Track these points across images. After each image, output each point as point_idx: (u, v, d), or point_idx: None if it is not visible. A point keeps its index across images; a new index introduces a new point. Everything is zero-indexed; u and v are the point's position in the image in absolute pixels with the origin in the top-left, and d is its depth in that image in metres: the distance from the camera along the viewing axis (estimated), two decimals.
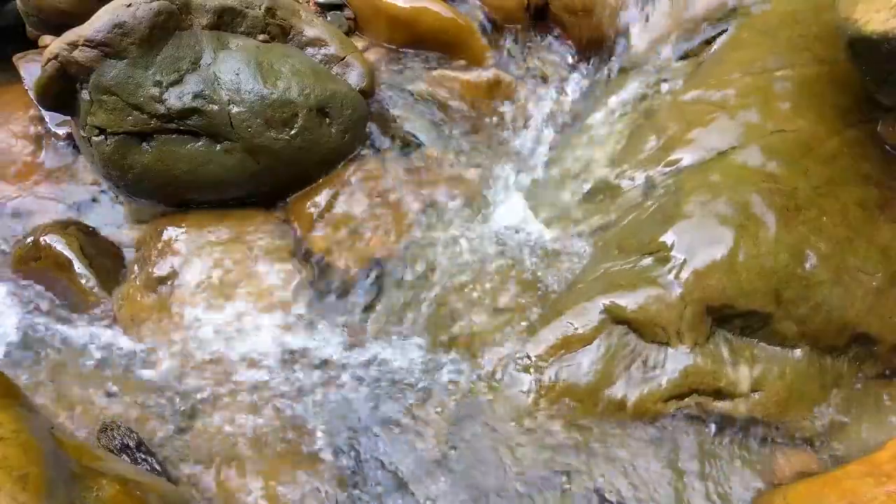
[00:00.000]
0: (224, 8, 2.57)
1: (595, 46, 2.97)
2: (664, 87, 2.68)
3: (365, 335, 2.30)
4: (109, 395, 2.15)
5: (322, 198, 2.57)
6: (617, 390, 2.03)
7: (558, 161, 2.73)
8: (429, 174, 2.69)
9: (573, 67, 3.04)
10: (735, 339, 2.10)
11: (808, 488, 1.84)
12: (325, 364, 2.21)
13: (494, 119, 2.92)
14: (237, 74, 2.46)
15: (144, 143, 2.46)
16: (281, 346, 2.26)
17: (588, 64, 3.01)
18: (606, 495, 1.89)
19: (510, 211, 2.58)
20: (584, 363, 2.06)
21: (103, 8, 2.41)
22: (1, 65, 3.04)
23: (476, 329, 2.21)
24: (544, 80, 3.03)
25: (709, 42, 2.71)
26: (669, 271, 2.11)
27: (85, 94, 2.43)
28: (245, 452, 2.01)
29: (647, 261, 2.16)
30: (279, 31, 2.68)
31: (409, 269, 2.45)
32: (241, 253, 2.45)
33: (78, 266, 2.39)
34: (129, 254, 2.55)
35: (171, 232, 2.49)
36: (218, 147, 2.47)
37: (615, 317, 2.09)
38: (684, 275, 2.09)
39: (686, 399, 2.03)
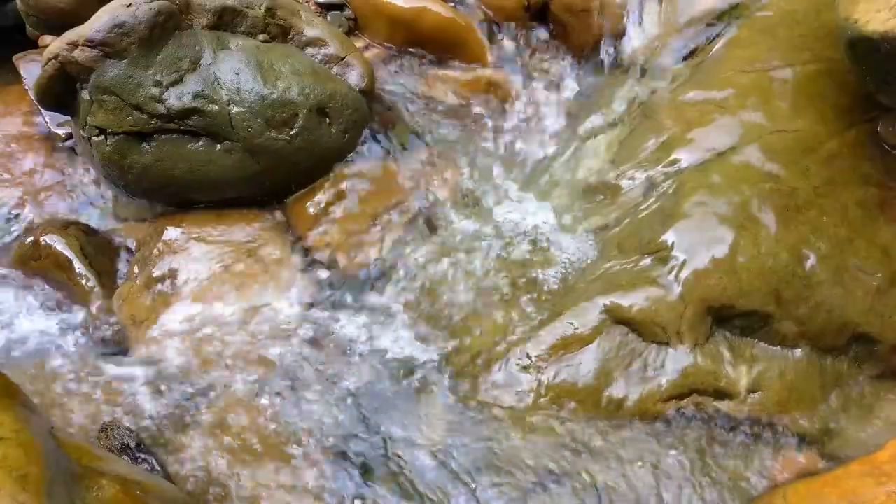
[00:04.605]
0: (224, 8, 2.57)
1: (595, 46, 2.97)
2: (664, 86, 2.68)
3: (365, 333, 2.30)
4: (109, 394, 2.15)
5: (322, 197, 2.57)
6: (617, 390, 2.03)
7: (558, 161, 2.73)
8: (428, 173, 2.69)
9: (573, 67, 3.04)
10: (735, 339, 2.10)
11: (808, 488, 1.84)
12: (325, 364, 2.21)
13: (494, 119, 2.92)
14: (237, 74, 2.46)
15: (144, 143, 2.46)
16: (281, 344, 2.26)
17: (587, 64, 3.01)
18: (606, 495, 1.89)
19: (509, 210, 2.58)
20: (584, 363, 2.06)
21: (103, 8, 2.41)
22: (1, 65, 3.04)
23: (475, 328, 2.21)
24: (544, 79, 3.03)
25: (709, 42, 2.71)
26: (669, 271, 2.11)
27: (85, 94, 2.43)
28: (246, 452, 2.01)
29: (647, 261, 2.17)
30: (279, 31, 2.68)
31: (408, 267, 2.45)
32: (241, 252, 2.45)
33: (78, 266, 2.40)
34: (129, 254, 2.55)
35: (171, 232, 2.49)
36: (218, 147, 2.47)
37: (615, 317, 2.09)
38: (684, 275, 2.09)
39: (686, 399, 2.03)
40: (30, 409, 1.47)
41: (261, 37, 2.64)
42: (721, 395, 2.03)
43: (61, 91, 2.46)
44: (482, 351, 2.16)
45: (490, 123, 2.91)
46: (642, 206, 2.34)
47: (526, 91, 2.99)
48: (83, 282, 2.39)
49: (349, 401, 2.12)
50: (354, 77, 2.72)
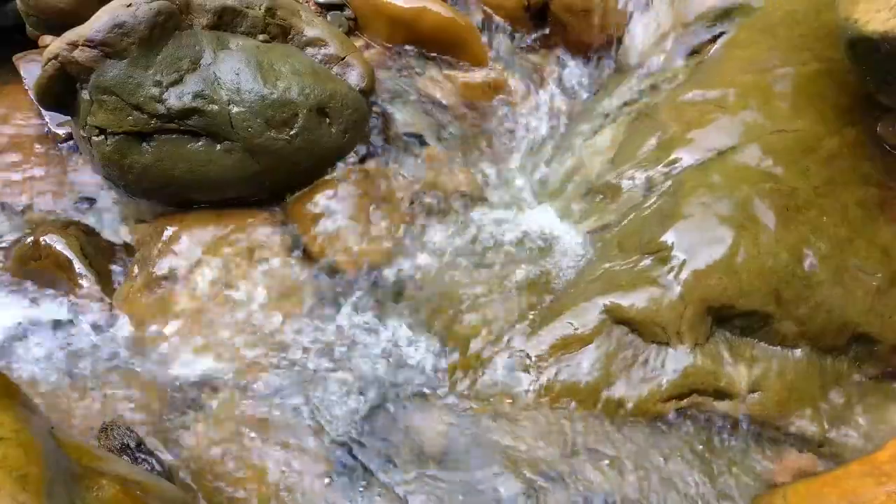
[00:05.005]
0: (224, 8, 2.57)
1: (595, 46, 2.97)
2: (664, 86, 2.68)
3: (364, 333, 2.30)
4: (109, 394, 2.15)
5: (322, 197, 2.57)
6: (617, 390, 2.03)
7: (558, 161, 2.73)
8: (428, 173, 2.69)
9: (572, 67, 3.04)
10: (735, 339, 2.10)
11: (808, 488, 1.84)
12: (325, 364, 2.21)
13: (494, 119, 2.92)
14: (237, 74, 2.46)
15: (144, 143, 2.46)
16: (281, 345, 2.26)
17: (588, 64, 3.01)
18: (606, 495, 1.89)
19: (509, 211, 2.58)
20: (584, 363, 2.06)
21: (103, 8, 2.41)
22: (1, 65, 3.04)
23: (476, 328, 2.21)
24: (544, 79, 3.04)
25: (709, 42, 2.71)
26: (669, 271, 2.11)
27: (85, 94, 2.43)
28: (245, 453, 2.01)
29: (647, 261, 2.17)
30: (279, 31, 2.68)
31: (408, 267, 2.45)
32: (242, 253, 2.45)
33: (78, 266, 2.39)
34: (129, 254, 2.55)
35: (171, 232, 2.49)
36: (218, 147, 2.47)
37: (615, 317, 2.09)
38: (684, 275, 2.09)
39: (686, 399, 2.03)
40: (30, 409, 1.47)
41: (261, 37, 2.64)
42: (721, 395, 2.03)
43: (61, 91, 2.46)
44: (482, 350, 2.16)
45: (490, 123, 2.91)
46: (642, 206, 2.34)
47: (525, 91, 2.99)
48: (83, 282, 2.39)
49: (349, 401, 2.12)
50: (354, 77, 2.72)
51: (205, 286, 2.38)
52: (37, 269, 2.45)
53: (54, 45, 2.40)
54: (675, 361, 2.04)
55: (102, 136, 2.46)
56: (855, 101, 2.31)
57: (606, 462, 1.95)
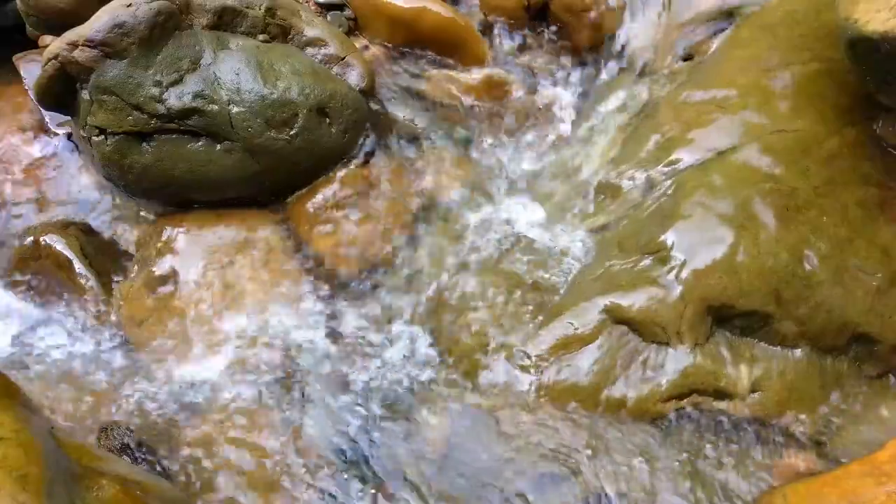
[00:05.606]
0: (224, 8, 2.57)
1: (595, 46, 2.97)
2: (664, 86, 2.68)
3: (365, 334, 2.30)
4: (109, 395, 2.15)
5: (322, 197, 2.57)
6: (617, 390, 2.03)
7: (558, 161, 2.73)
8: (428, 173, 2.69)
9: (573, 67, 3.04)
10: (735, 339, 2.11)
11: (808, 488, 1.84)
12: (324, 364, 2.21)
13: (494, 119, 2.92)
14: (237, 74, 2.46)
15: (144, 143, 2.46)
16: (281, 345, 2.26)
17: (588, 63, 3.01)
18: (606, 495, 1.89)
19: (510, 211, 2.58)
20: (585, 363, 2.06)
21: (103, 8, 2.41)
22: (1, 65, 3.04)
23: (476, 328, 2.21)
24: (544, 80, 3.03)
25: (709, 41, 2.71)
26: (669, 271, 2.11)
27: (85, 94, 2.43)
28: (246, 454, 2.01)
29: (647, 261, 2.17)
30: (279, 31, 2.68)
31: (409, 268, 2.45)
32: (242, 253, 2.45)
33: (78, 266, 2.40)
34: (129, 254, 2.55)
35: (171, 232, 2.49)
36: (218, 147, 2.47)
37: (615, 317, 2.09)
38: (684, 275, 2.09)
39: (686, 399, 2.03)
40: (30, 409, 1.47)
41: (261, 37, 2.64)
42: (721, 395, 2.03)
43: (61, 91, 2.46)
44: (483, 351, 2.16)
45: (490, 124, 2.91)
46: (642, 206, 2.34)
47: (526, 91, 2.99)
48: (83, 282, 2.39)
49: (349, 402, 2.12)
50: (354, 77, 2.72)
51: (204, 286, 2.38)
52: (37, 269, 2.45)
53: (54, 45, 2.40)
54: (675, 361, 2.04)
55: (102, 136, 2.46)
56: (855, 101, 2.31)
57: (606, 462, 1.95)
